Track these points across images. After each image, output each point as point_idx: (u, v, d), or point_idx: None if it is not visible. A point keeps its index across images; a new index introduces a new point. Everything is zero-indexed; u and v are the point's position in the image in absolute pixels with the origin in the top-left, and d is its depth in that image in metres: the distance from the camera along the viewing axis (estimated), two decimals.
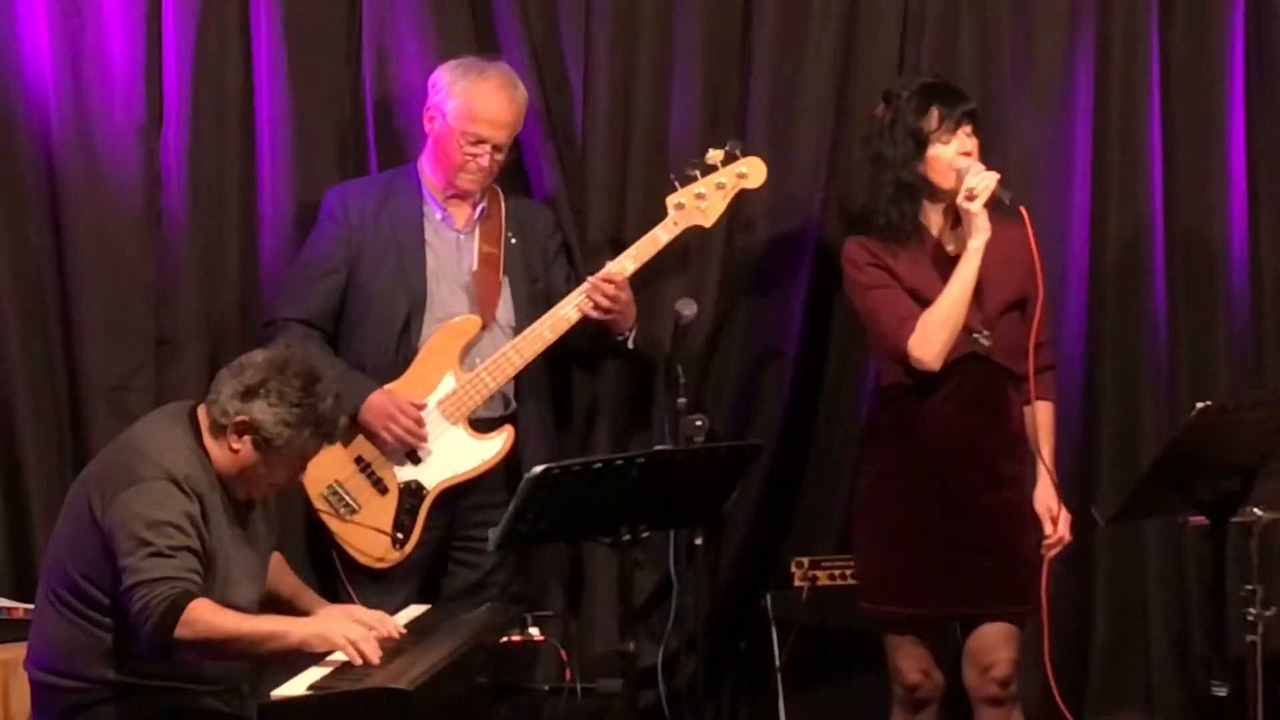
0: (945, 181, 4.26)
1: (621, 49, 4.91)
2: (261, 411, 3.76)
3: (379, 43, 4.84)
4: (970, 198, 4.19)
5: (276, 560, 4.11)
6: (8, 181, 4.75)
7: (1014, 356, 4.28)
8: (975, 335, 4.25)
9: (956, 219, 4.31)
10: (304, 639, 3.69)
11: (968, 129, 4.28)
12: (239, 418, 3.77)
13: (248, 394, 3.78)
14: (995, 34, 4.94)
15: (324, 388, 3.81)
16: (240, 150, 4.84)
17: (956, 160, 4.25)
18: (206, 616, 3.63)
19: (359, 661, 3.64)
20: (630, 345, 4.63)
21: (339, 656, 3.72)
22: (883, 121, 4.33)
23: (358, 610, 3.97)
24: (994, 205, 4.30)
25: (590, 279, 4.52)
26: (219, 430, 3.80)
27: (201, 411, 3.85)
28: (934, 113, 4.26)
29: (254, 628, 3.70)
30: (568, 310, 4.52)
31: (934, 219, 4.33)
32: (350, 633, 3.69)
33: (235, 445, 3.79)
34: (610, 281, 4.49)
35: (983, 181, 4.19)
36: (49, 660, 3.80)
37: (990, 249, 4.26)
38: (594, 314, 4.51)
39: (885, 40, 4.93)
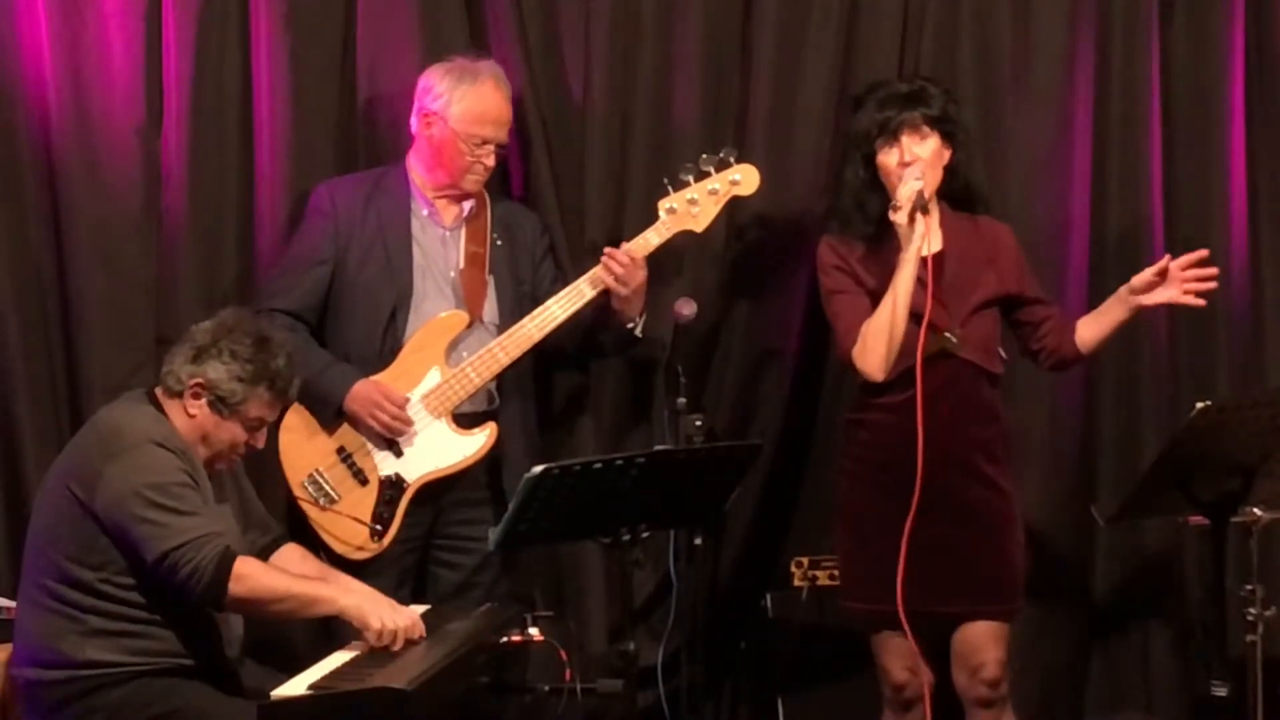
0: (891, 188, 4.27)
1: (621, 49, 4.91)
2: (215, 371, 3.83)
3: (374, 43, 4.84)
4: (895, 209, 4.19)
5: (296, 551, 4.15)
6: (8, 181, 4.75)
7: (986, 354, 4.29)
8: (945, 334, 4.24)
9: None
10: (344, 609, 3.80)
11: (915, 137, 4.26)
12: (193, 380, 3.84)
13: (199, 356, 3.86)
14: (995, 34, 4.94)
15: (276, 346, 3.89)
16: (239, 150, 4.84)
17: (896, 170, 4.25)
18: (257, 574, 3.73)
19: (375, 642, 3.73)
20: (638, 334, 4.63)
21: (342, 657, 3.75)
22: (846, 125, 4.38)
23: (396, 604, 3.98)
24: (975, 206, 4.34)
25: (608, 249, 4.53)
26: (175, 398, 3.85)
27: (158, 391, 3.90)
28: (877, 121, 4.27)
29: (304, 590, 3.80)
30: (555, 309, 4.53)
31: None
32: (386, 619, 3.77)
33: (192, 410, 3.84)
34: (630, 255, 4.49)
35: (905, 191, 4.19)
36: (33, 654, 3.81)
37: (973, 249, 4.27)
38: (609, 281, 4.50)
39: (885, 40, 4.92)
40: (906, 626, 4.18)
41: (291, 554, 4.12)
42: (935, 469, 4.22)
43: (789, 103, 4.92)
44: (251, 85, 4.83)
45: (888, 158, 4.27)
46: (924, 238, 4.18)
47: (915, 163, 4.24)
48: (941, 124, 4.29)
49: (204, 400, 3.84)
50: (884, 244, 4.29)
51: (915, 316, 4.21)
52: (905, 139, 4.26)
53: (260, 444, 3.98)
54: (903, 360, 4.22)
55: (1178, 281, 4.30)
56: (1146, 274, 4.30)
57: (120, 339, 4.78)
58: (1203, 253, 4.31)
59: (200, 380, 3.84)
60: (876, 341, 4.21)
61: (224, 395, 3.84)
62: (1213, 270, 4.30)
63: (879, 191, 4.29)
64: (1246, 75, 4.98)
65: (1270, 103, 4.99)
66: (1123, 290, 4.34)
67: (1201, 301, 4.33)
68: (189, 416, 3.86)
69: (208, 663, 3.86)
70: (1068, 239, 4.94)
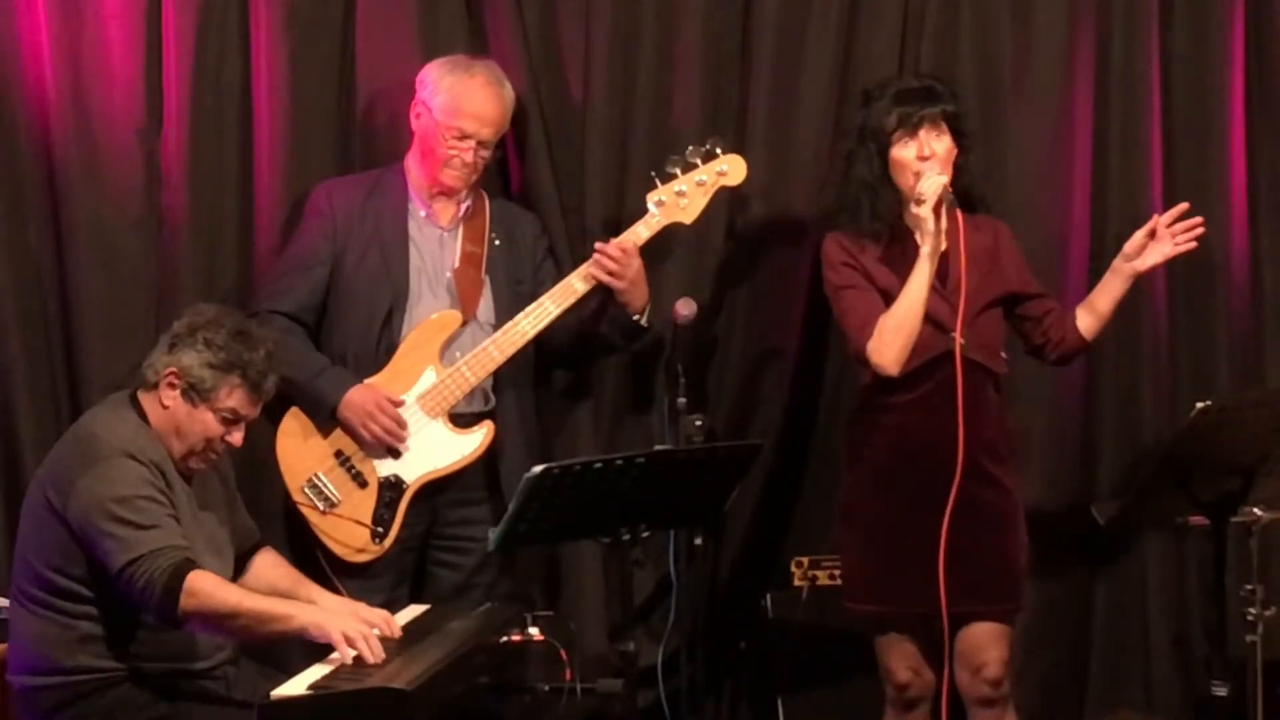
0: (905, 184, 4.27)
1: (621, 49, 4.91)
2: (188, 358, 3.83)
3: (374, 43, 4.84)
4: (918, 202, 4.19)
5: (270, 556, 4.13)
6: (8, 181, 4.75)
7: (991, 355, 4.29)
8: (950, 334, 4.24)
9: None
10: (304, 625, 3.72)
11: (934, 133, 4.26)
12: (168, 370, 3.83)
13: (175, 345, 3.86)
14: (995, 34, 4.94)
15: (255, 341, 3.87)
16: (240, 150, 4.84)
17: (914, 164, 4.25)
18: (209, 589, 3.67)
19: (349, 659, 3.65)
20: (645, 324, 4.63)
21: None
22: (857, 120, 4.37)
23: (363, 609, 3.98)
24: (975, 206, 4.33)
25: (599, 245, 4.53)
26: (151, 390, 3.85)
27: (141, 393, 3.89)
28: (895, 115, 4.27)
29: (259, 606, 3.73)
30: (548, 304, 4.53)
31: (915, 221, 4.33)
32: (349, 629, 3.70)
33: (166, 400, 3.84)
34: (620, 248, 4.50)
35: (930, 186, 4.19)
36: (28, 661, 3.81)
37: (976, 249, 4.27)
38: (603, 278, 4.51)
39: (885, 40, 4.92)
40: (946, 626, 4.19)
41: (265, 558, 4.12)
42: (939, 469, 4.22)
43: (789, 103, 4.92)
44: (251, 85, 4.82)
45: (904, 152, 4.26)
46: (944, 233, 4.18)
47: (933, 158, 4.24)
48: (955, 122, 4.30)
49: (178, 390, 3.83)
50: (892, 241, 4.29)
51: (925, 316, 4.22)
52: (924, 134, 4.25)
53: (238, 441, 3.93)
54: (912, 359, 4.22)
55: (1167, 237, 4.32)
56: (1137, 237, 4.33)
57: (120, 339, 4.77)
58: (1184, 206, 4.34)
59: (174, 369, 3.83)
60: (895, 336, 4.20)
61: (194, 382, 3.82)
62: (1199, 219, 4.33)
63: (890, 187, 4.29)
64: (1246, 75, 4.98)
65: (1270, 103, 4.99)
66: (1117, 261, 4.36)
67: (1193, 244, 4.34)
68: (163, 408, 3.85)
69: (203, 668, 3.86)
70: (1068, 239, 4.94)
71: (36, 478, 3.90)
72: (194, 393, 3.83)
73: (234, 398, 3.86)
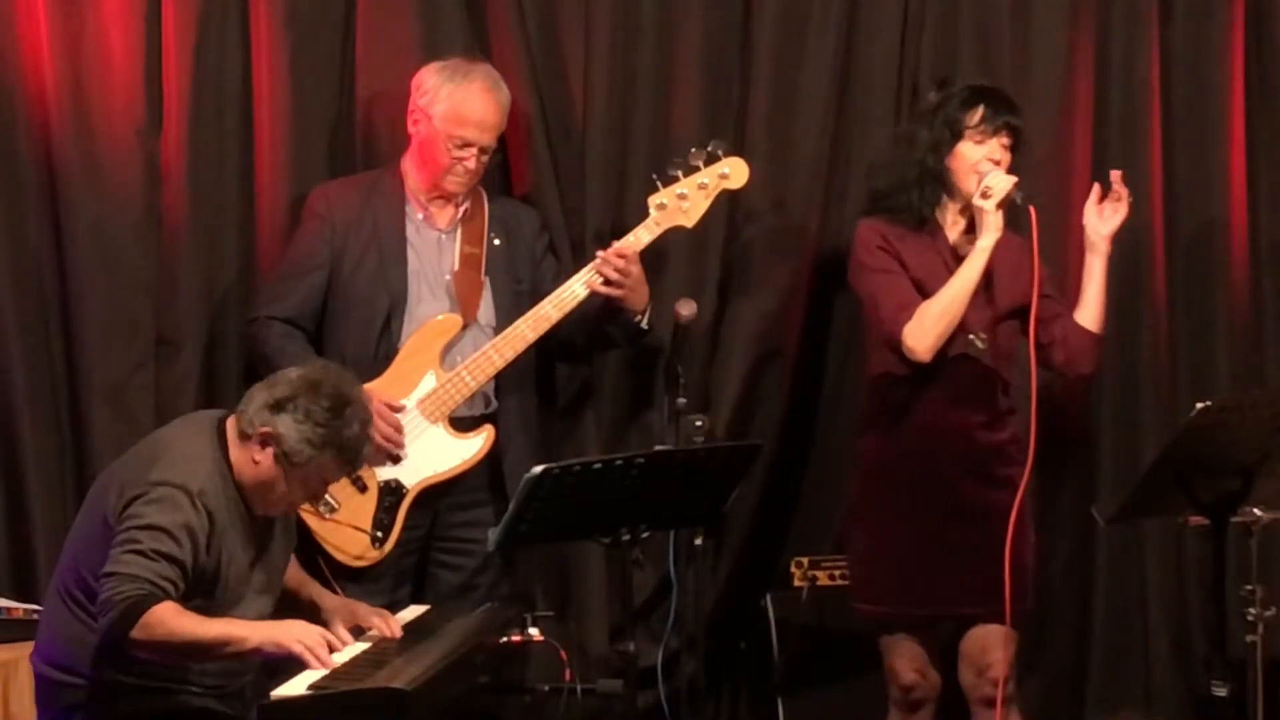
0: (965, 181, 4.29)
1: (621, 49, 4.92)
2: (286, 426, 3.76)
3: (374, 43, 4.84)
4: (985, 195, 4.21)
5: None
6: (8, 181, 4.74)
7: (1006, 362, 4.29)
8: (971, 336, 4.26)
9: (972, 223, 4.31)
10: (259, 644, 3.68)
11: (1005, 140, 4.30)
12: (263, 429, 3.77)
13: (276, 406, 3.78)
14: (995, 34, 4.94)
15: (352, 413, 3.80)
16: (240, 150, 4.84)
17: (981, 163, 4.27)
18: (165, 620, 3.61)
19: (315, 666, 3.62)
20: (645, 326, 4.63)
21: (342, 656, 3.74)
22: (928, 104, 4.39)
23: (363, 609, 3.97)
24: (1010, 215, 4.33)
25: (600, 253, 4.53)
26: (244, 439, 3.80)
27: (230, 422, 3.85)
28: (979, 110, 4.30)
29: (213, 632, 3.67)
30: (548, 309, 4.52)
31: (951, 218, 4.36)
32: (305, 638, 3.67)
33: (257, 457, 3.79)
34: (621, 255, 4.49)
35: (1000, 182, 4.22)
36: (56, 656, 3.81)
37: (1003, 258, 4.28)
38: (604, 289, 4.51)
39: (885, 40, 4.93)
40: (1010, 625, 4.21)
41: None
42: (950, 470, 4.23)
43: (789, 103, 4.92)
44: (251, 85, 4.82)
45: (975, 150, 4.29)
46: (1001, 230, 4.22)
47: (1002, 163, 4.28)
48: (1019, 138, 4.35)
49: (270, 451, 3.78)
50: (926, 233, 4.32)
51: None
52: (998, 139, 4.29)
53: (315, 504, 3.90)
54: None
55: (1111, 195, 4.39)
56: (1089, 207, 4.40)
57: (120, 339, 4.77)
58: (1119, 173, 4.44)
59: (269, 430, 3.77)
60: (937, 323, 4.22)
61: (289, 452, 3.76)
62: (1119, 172, 4.44)
63: (947, 176, 4.30)
64: (1246, 74, 4.98)
65: (1270, 102, 5.00)
66: (1086, 237, 4.40)
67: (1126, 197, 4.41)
68: (253, 463, 3.79)
69: (227, 688, 3.86)
70: (1068, 239, 4.93)
71: (105, 481, 3.85)
72: (287, 460, 3.77)
73: (327, 472, 3.82)
